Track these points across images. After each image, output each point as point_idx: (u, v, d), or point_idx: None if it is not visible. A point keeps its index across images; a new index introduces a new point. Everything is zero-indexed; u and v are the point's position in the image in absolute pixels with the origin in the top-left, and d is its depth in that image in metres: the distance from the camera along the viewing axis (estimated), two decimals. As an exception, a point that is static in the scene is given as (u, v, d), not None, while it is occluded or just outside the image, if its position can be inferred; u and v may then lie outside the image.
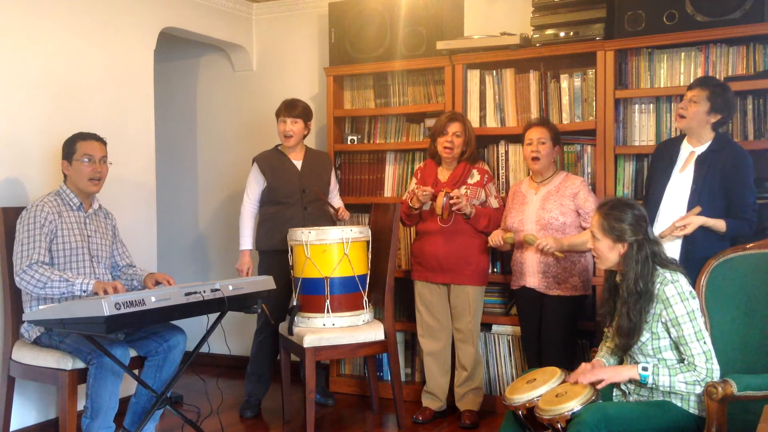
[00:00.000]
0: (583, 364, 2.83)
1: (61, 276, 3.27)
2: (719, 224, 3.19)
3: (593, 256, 2.86)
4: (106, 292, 3.22)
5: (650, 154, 3.68)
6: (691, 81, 3.49)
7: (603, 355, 2.90)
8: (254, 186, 4.25)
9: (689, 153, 3.37)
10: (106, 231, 3.64)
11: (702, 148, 3.33)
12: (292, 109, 4.20)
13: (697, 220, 3.17)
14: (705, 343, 2.59)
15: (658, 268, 2.68)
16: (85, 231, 3.52)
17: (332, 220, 4.30)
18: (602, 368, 2.73)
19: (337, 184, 4.45)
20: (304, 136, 4.28)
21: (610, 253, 2.72)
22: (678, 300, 2.60)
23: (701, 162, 3.30)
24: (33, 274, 3.26)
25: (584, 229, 3.70)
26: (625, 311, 2.66)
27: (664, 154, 3.48)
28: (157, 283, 3.53)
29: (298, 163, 4.25)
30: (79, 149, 3.47)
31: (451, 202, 3.80)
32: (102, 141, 3.56)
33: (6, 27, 3.71)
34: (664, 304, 2.62)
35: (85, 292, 3.26)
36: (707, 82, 3.33)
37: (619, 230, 2.68)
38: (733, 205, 3.23)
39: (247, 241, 4.23)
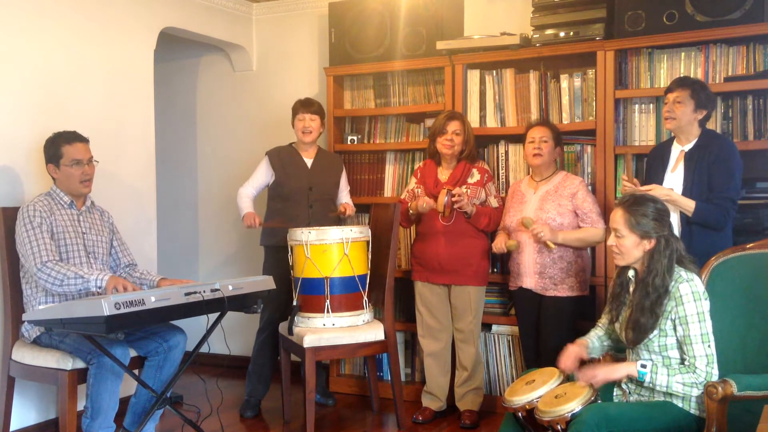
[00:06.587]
0: (569, 346, 2.83)
1: (76, 273, 3.26)
2: (687, 202, 3.21)
3: (612, 253, 2.79)
4: (117, 291, 3.23)
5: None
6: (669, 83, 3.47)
7: (590, 336, 2.90)
8: (259, 177, 4.28)
9: (679, 152, 3.39)
10: (102, 228, 3.63)
11: (690, 146, 3.36)
12: (310, 105, 4.24)
13: (662, 189, 3.20)
14: (709, 346, 2.58)
15: (675, 265, 2.66)
16: (80, 228, 3.52)
17: (337, 220, 4.30)
18: (598, 367, 2.69)
19: (348, 185, 4.44)
20: (320, 134, 4.30)
21: (635, 250, 2.68)
22: (691, 299, 2.59)
23: (689, 158, 3.33)
24: (49, 272, 3.25)
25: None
26: (648, 305, 2.62)
27: (656, 158, 3.50)
28: None
29: (309, 162, 4.27)
30: (66, 154, 3.44)
31: (453, 200, 3.79)
32: (86, 140, 3.53)
33: (5, 27, 3.71)
34: (677, 302, 2.60)
35: (100, 288, 3.26)
36: (686, 82, 3.36)
37: (646, 226, 2.65)
38: (712, 192, 3.24)
39: (246, 206, 4.19)
